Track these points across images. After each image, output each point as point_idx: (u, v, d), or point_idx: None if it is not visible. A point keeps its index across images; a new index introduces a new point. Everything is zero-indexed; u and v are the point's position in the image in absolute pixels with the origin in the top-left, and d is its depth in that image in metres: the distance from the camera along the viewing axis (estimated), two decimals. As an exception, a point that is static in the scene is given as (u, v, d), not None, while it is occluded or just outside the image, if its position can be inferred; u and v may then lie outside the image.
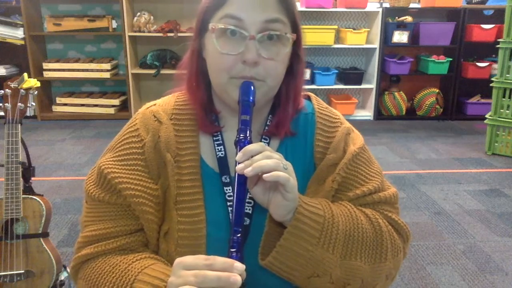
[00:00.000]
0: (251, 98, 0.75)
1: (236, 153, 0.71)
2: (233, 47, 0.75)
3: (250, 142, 0.72)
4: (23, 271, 1.55)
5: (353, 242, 0.77)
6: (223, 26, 0.75)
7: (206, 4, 0.79)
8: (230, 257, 0.66)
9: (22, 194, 1.55)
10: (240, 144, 0.72)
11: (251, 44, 0.74)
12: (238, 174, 0.69)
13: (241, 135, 0.73)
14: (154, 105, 0.88)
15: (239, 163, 0.69)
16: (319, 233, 0.74)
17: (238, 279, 0.59)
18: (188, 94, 0.86)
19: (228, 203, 0.82)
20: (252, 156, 0.69)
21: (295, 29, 0.80)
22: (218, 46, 0.76)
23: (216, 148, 0.85)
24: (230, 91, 0.78)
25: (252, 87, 0.76)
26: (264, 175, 0.67)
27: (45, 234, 1.60)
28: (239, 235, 0.68)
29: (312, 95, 0.94)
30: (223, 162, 0.84)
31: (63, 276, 1.66)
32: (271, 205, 0.74)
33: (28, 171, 1.61)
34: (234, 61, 0.76)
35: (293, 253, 0.73)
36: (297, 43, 0.81)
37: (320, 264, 0.74)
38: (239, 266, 0.62)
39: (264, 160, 0.68)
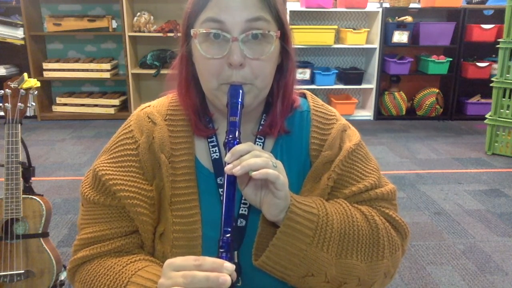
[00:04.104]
0: (240, 100, 0.75)
1: (225, 154, 0.71)
2: (218, 51, 0.74)
3: (239, 143, 0.72)
4: (23, 271, 1.55)
5: (349, 240, 0.76)
6: (204, 31, 0.74)
7: (189, 9, 0.78)
8: (220, 257, 0.65)
9: (22, 194, 1.55)
10: (229, 145, 0.72)
11: (235, 46, 0.73)
12: (227, 174, 0.69)
13: (230, 136, 0.72)
14: (149, 106, 0.88)
15: (228, 164, 0.69)
16: (313, 232, 0.73)
17: (227, 279, 0.59)
18: (180, 100, 0.86)
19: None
20: (241, 156, 0.69)
21: (281, 25, 0.78)
22: (202, 51, 0.75)
23: (211, 149, 0.84)
24: (220, 97, 0.77)
25: (241, 89, 0.75)
26: (253, 173, 0.67)
27: (45, 234, 1.60)
28: (228, 235, 0.67)
29: (308, 93, 0.94)
30: (218, 164, 0.84)
31: (63, 276, 1.66)
32: (263, 204, 0.73)
33: (28, 171, 1.61)
34: (220, 64, 0.75)
35: (286, 253, 0.73)
36: (285, 39, 0.80)
37: (315, 263, 0.74)
38: (229, 266, 0.61)
39: (252, 158, 0.68)
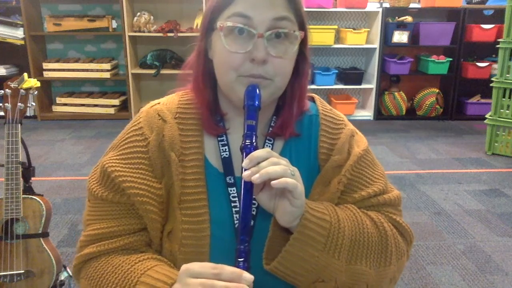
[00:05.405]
0: (257, 102, 0.75)
1: (242, 159, 0.70)
2: (241, 46, 0.75)
3: (256, 148, 0.71)
4: (23, 271, 1.55)
5: (359, 247, 0.76)
6: (231, 24, 0.75)
7: (214, 3, 0.79)
8: (237, 267, 0.65)
9: (22, 194, 1.55)
10: (246, 150, 0.71)
11: (260, 42, 0.74)
12: (244, 181, 0.68)
13: (247, 141, 0.72)
14: (158, 103, 0.87)
15: (245, 170, 0.68)
16: (325, 239, 0.73)
17: None
18: (194, 95, 0.86)
19: (232, 204, 0.82)
20: (258, 163, 0.68)
21: (302, 27, 0.80)
22: (226, 45, 0.75)
23: (221, 148, 0.84)
24: (237, 89, 0.77)
25: (257, 91, 0.76)
26: (272, 182, 0.67)
27: (45, 234, 1.60)
28: (246, 244, 0.67)
29: (316, 96, 0.94)
30: (227, 163, 0.83)
31: (63, 276, 1.66)
32: (277, 211, 0.73)
33: (28, 171, 1.61)
34: (242, 59, 0.75)
35: (298, 259, 0.73)
36: (303, 42, 0.81)
37: (326, 269, 0.74)
38: (248, 277, 0.61)
39: (271, 166, 0.68)
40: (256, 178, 0.66)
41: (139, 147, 0.82)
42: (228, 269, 0.61)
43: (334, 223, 0.75)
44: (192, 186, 0.81)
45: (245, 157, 0.70)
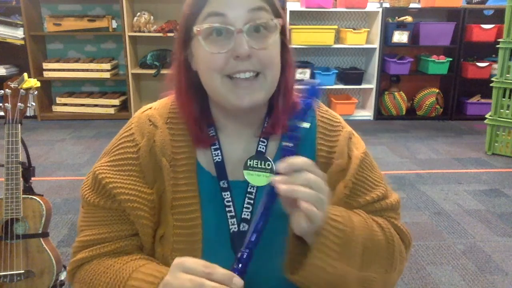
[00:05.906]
0: (313, 102, 0.73)
1: (279, 158, 0.68)
2: (222, 46, 0.73)
3: (295, 153, 0.69)
4: (23, 271, 1.55)
5: (369, 254, 0.75)
6: (208, 26, 0.73)
7: (187, 10, 0.77)
8: (233, 269, 0.65)
9: (22, 194, 1.55)
10: (285, 152, 0.69)
11: (240, 38, 0.72)
12: (270, 185, 0.66)
13: (291, 145, 0.70)
14: (150, 108, 0.86)
15: (277, 174, 0.66)
16: (340, 248, 0.72)
17: None
18: (180, 110, 0.83)
19: (227, 208, 0.81)
20: (293, 171, 0.66)
21: (278, 15, 0.78)
22: (206, 47, 0.73)
23: (213, 153, 0.83)
24: (225, 94, 0.75)
25: (318, 89, 0.73)
26: (301, 204, 0.64)
27: (45, 234, 1.60)
28: (248, 250, 0.66)
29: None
30: (220, 167, 0.82)
31: (63, 276, 1.66)
32: (293, 222, 0.70)
33: (28, 171, 1.61)
34: (226, 59, 0.73)
35: (320, 270, 0.71)
36: (282, 31, 0.79)
37: (342, 278, 0.72)
38: (238, 281, 0.61)
39: (303, 189, 0.65)
40: (282, 189, 0.65)
41: (130, 153, 0.81)
42: (220, 271, 0.62)
43: (349, 231, 0.73)
44: (183, 191, 0.80)
45: (283, 159, 0.67)
